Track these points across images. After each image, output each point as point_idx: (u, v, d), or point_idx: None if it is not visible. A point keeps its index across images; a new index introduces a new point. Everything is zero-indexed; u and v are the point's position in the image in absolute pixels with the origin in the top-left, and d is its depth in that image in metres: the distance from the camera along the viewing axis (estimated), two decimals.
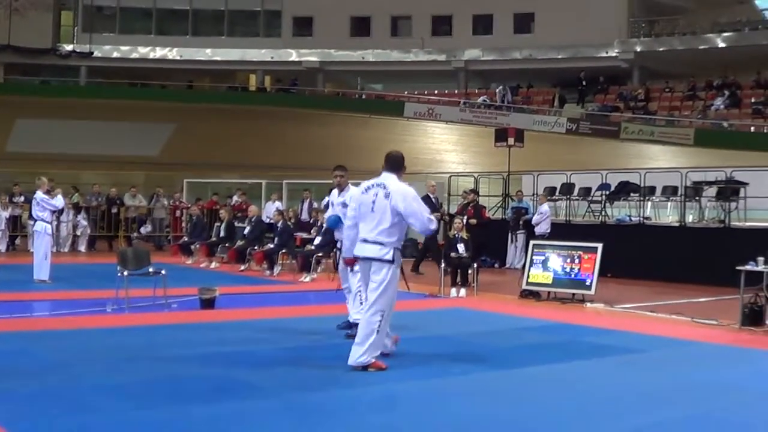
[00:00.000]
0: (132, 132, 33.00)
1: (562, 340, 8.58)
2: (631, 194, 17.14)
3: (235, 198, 20.92)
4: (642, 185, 16.94)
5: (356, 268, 7.43)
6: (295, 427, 5.09)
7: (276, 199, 19.82)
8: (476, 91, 37.73)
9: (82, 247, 20.40)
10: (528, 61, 37.38)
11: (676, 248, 14.96)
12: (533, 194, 18.67)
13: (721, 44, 33.36)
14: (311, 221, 17.12)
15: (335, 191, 8.82)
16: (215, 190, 24.17)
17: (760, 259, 9.31)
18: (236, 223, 17.71)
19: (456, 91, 38.06)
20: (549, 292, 11.99)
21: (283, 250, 15.58)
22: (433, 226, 7.06)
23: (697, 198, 15.97)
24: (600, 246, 11.67)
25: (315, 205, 17.94)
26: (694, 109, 30.55)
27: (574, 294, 11.72)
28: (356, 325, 7.14)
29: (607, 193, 17.39)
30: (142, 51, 40.77)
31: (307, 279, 14.17)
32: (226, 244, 17.00)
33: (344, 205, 8.29)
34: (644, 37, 35.75)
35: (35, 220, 13.38)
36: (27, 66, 40.00)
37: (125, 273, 10.03)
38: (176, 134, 33.51)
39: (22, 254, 17.89)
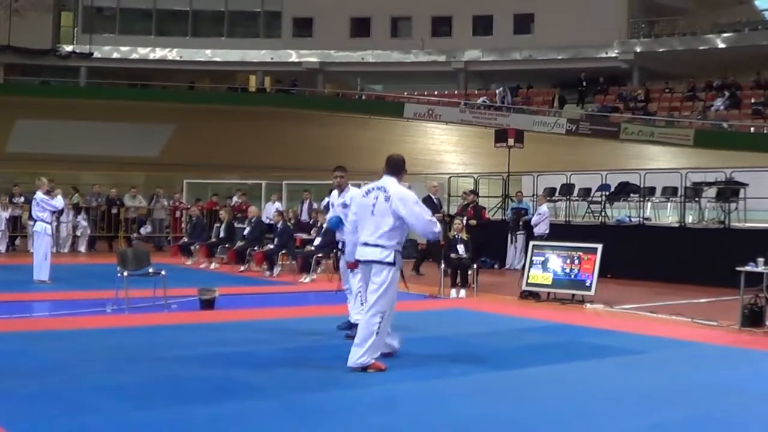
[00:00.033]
0: (132, 133, 33.03)
1: (561, 341, 8.58)
2: (631, 195, 17.15)
3: (234, 199, 20.92)
4: (642, 186, 16.94)
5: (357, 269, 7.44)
6: (295, 428, 5.10)
7: (276, 199, 19.81)
8: (476, 91, 37.78)
9: (82, 248, 20.40)
10: (528, 62, 37.41)
11: (676, 249, 14.95)
12: (533, 195, 18.66)
13: (721, 45, 33.38)
14: (311, 222, 17.12)
15: (335, 192, 8.81)
16: (215, 191, 24.16)
17: (760, 260, 9.30)
18: (236, 224, 17.71)
19: (456, 92, 38.09)
20: (549, 293, 11.99)
21: (283, 251, 15.58)
22: (437, 228, 7.00)
23: (696, 199, 15.97)
24: (600, 247, 11.67)
25: (315, 205, 17.94)
26: (694, 109, 30.57)
27: (573, 295, 11.71)
28: (356, 325, 7.15)
29: (607, 193, 17.39)
30: (142, 52, 40.81)
31: (307, 280, 14.18)
32: (226, 245, 17.00)
33: (344, 205, 8.30)
34: (644, 38, 35.78)
35: (35, 221, 13.37)
36: (27, 67, 40.03)
37: (125, 273, 10.03)
38: (176, 135, 33.53)
39: (22, 255, 17.89)
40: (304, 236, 16.51)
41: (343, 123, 33.96)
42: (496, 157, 21.41)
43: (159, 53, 40.84)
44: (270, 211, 18.54)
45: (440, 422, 5.32)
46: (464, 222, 14.19)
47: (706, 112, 29.88)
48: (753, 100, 29.61)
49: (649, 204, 17.31)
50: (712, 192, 15.64)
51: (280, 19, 41.32)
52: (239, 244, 16.40)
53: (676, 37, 34.91)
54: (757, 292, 9.35)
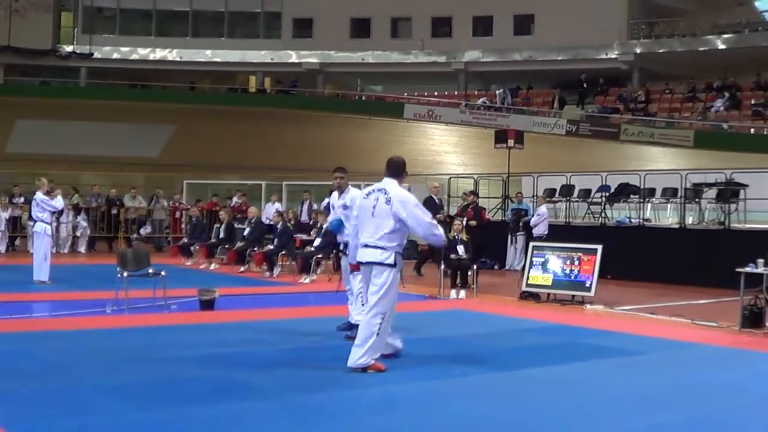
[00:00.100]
0: (132, 133, 33.03)
1: (561, 342, 8.58)
2: (631, 196, 17.15)
3: (234, 199, 20.91)
4: (642, 187, 16.94)
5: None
6: (295, 429, 5.10)
7: (276, 200, 19.80)
8: (476, 92, 37.79)
9: (82, 248, 20.39)
10: (528, 63, 37.42)
11: (676, 250, 14.95)
12: (533, 196, 18.65)
13: (721, 46, 33.39)
14: (311, 223, 17.12)
15: (335, 193, 8.81)
16: (215, 192, 24.16)
17: (760, 261, 9.30)
18: (236, 225, 17.70)
19: (456, 93, 38.10)
20: (549, 294, 11.98)
21: (283, 252, 15.58)
22: (438, 231, 6.97)
23: (696, 200, 15.97)
24: (600, 248, 11.66)
25: (315, 206, 17.93)
26: (694, 110, 30.58)
27: (573, 296, 11.71)
28: (357, 326, 7.16)
29: (607, 194, 17.39)
30: (142, 52, 40.82)
31: (307, 280, 14.18)
32: (226, 246, 16.99)
33: (344, 207, 8.30)
34: (644, 39, 35.80)
35: (35, 221, 13.37)
36: (27, 67, 40.05)
37: (125, 274, 10.03)
38: (176, 135, 33.53)
39: (22, 255, 17.88)
40: (304, 237, 16.51)
41: (343, 124, 33.97)
42: (496, 158, 21.41)
43: (159, 54, 40.85)
44: (270, 211, 18.53)
45: (440, 423, 5.32)
46: (464, 223, 14.19)
47: (706, 113, 29.89)
48: (753, 101, 29.63)
49: (649, 205, 17.32)
50: (712, 193, 15.64)
51: (280, 20, 41.33)
52: (239, 244, 16.39)
53: (676, 38, 34.93)
54: (757, 293, 9.35)
